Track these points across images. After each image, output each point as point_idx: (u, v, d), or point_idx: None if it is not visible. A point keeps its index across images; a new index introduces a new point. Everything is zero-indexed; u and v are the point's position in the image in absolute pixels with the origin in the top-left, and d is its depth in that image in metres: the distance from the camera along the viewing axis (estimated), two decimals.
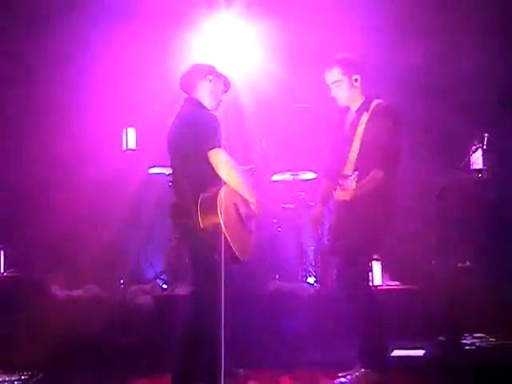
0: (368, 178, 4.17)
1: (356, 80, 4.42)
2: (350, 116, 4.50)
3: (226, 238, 3.90)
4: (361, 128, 4.35)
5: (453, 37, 6.70)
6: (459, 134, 6.48)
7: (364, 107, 4.41)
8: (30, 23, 6.76)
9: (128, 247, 6.77)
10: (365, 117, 4.37)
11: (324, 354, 5.31)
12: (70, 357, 5.13)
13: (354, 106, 4.48)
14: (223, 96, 4.38)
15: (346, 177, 4.12)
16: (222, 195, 3.96)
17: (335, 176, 4.37)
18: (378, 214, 4.28)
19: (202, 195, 3.97)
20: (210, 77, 4.27)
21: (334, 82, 4.44)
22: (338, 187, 4.11)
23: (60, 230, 6.59)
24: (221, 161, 3.99)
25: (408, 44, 6.60)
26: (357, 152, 4.33)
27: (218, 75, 4.32)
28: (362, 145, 4.31)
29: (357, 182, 3.99)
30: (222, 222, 3.90)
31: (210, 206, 3.94)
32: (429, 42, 6.63)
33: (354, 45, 6.01)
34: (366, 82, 4.46)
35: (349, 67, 4.42)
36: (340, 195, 4.16)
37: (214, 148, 3.98)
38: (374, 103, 4.40)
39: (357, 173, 4.03)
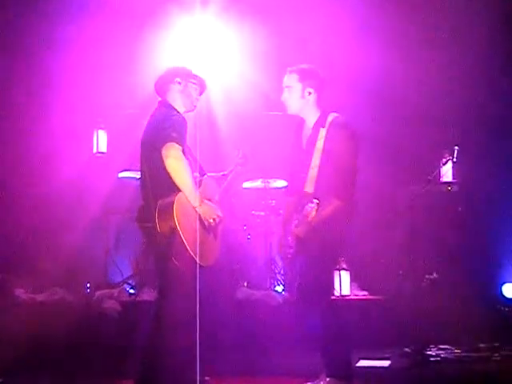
0: (324, 209, 4.15)
1: (309, 93, 4.37)
2: (307, 131, 4.44)
3: (184, 243, 3.88)
4: (320, 143, 4.30)
5: (423, 49, 6.78)
6: (429, 147, 6.54)
7: (320, 123, 4.36)
8: None
9: (96, 251, 6.68)
10: (322, 132, 4.31)
11: (291, 362, 5.31)
12: (32, 361, 5.05)
13: (310, 120, 4.42)
14: (199, 97, 4.37)
15: (305, 203, 4.15)
16: (180, 201, 3.93)
17: (298, 188, 4.37)
18: (338, 228, 4.27)
19: (160, 201, 3.95)
20: (178, 79, 4.27)
21: (287, 87, 4.41)
22: (295, 222, 4.23)
23: (25, 231, 6.50)
24: (170, 155, 3.92)
25: (379, 56, 6.66)
26: (316, 169, 4.28)
27: (189, 77, 4.31)
28: (321, 162, 4.28)
29: (316, 210, 4.06)
30: (178, 227, 3.87)
31: (167, 212, 3.91)
32: (399, 54, 6.70)
33: (328, 53, 6.06)
34: (323, 98, 4.41)
35: (306, 78, 4.38)
36: (297, 231, 4.24)
37: (167, 142, 3.94)
38: (329, 118, 4.35)
39: (317, 201, 4.07)
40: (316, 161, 4.29)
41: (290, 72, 4.42)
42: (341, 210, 4.21)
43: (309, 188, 4.30)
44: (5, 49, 6.69)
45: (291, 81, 4.40)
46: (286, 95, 4.43)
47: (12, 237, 6.46)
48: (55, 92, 6.70)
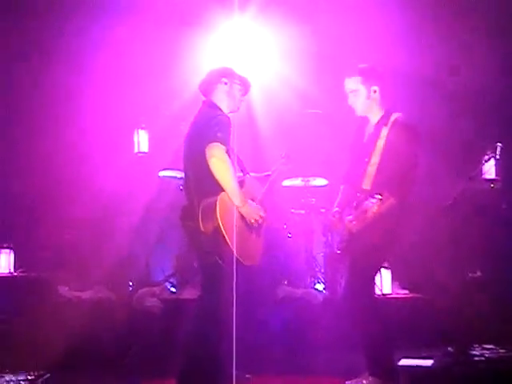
0: (380, 207, 4.12)
1: (375, 91, 4.37)
2: (369, 128, 4.45)
3: (227, 242, 3.90)
4: (380, 142, 4.30)
5: (469, 46, 6.68)
6: (472, 144, 6.45)
7: (383, 121, 4.36)
8: (37, 22, 6.77)
9: (138, 250, 6.76)
10: (384, 131, 4.32)
11: (332, 360, 5.29)
12: (77, 358, 5.14)
13: (373, 119, 4.43)
14: (243, 97, 4.39)
15: (362, 199, 4.16)
16: (224, 200, 3.95)
17: (355, 184, 4.37)
18: (388, 231, 4.26)
19: (203, 201, 3.97)
20: (225, 79, 4.28)
21: (352, 91, 4.40)
22: (350, 217, 4.21)
23: (70, 231, 6.61)
24: (214, 154, 3.93)
25: (424, 53, 6.58)
26: (375, 167, 4.29)
27: (235, 77, 4.33)
28: (381, 160, 4.28)
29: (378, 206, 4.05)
30: (221, 227, 3.89)
31: (211, 212, 3.93)
32: (445, 52, 6.62)
33: (371, 52, 6.02)
34: (386, 94, 4.41)
35: (369, 78, 4.37)
36: (351, 226, 4.23)
37: (212, 142, 3.96)
38: (392, 117, 4.34)
39: (380, 197, 4.04)
40: (376, 159, 4.29)
41: (352, 75, 4.40)
42: (394, 209, 4.19)
43: (366, 185, 4.30)
44: (45, 51, 6.81)
45: (355, 84, 4.39)
46: (352, 99, 4.42)
47: (57, 236, 6.57)
48: (96, 92, 6.79)
